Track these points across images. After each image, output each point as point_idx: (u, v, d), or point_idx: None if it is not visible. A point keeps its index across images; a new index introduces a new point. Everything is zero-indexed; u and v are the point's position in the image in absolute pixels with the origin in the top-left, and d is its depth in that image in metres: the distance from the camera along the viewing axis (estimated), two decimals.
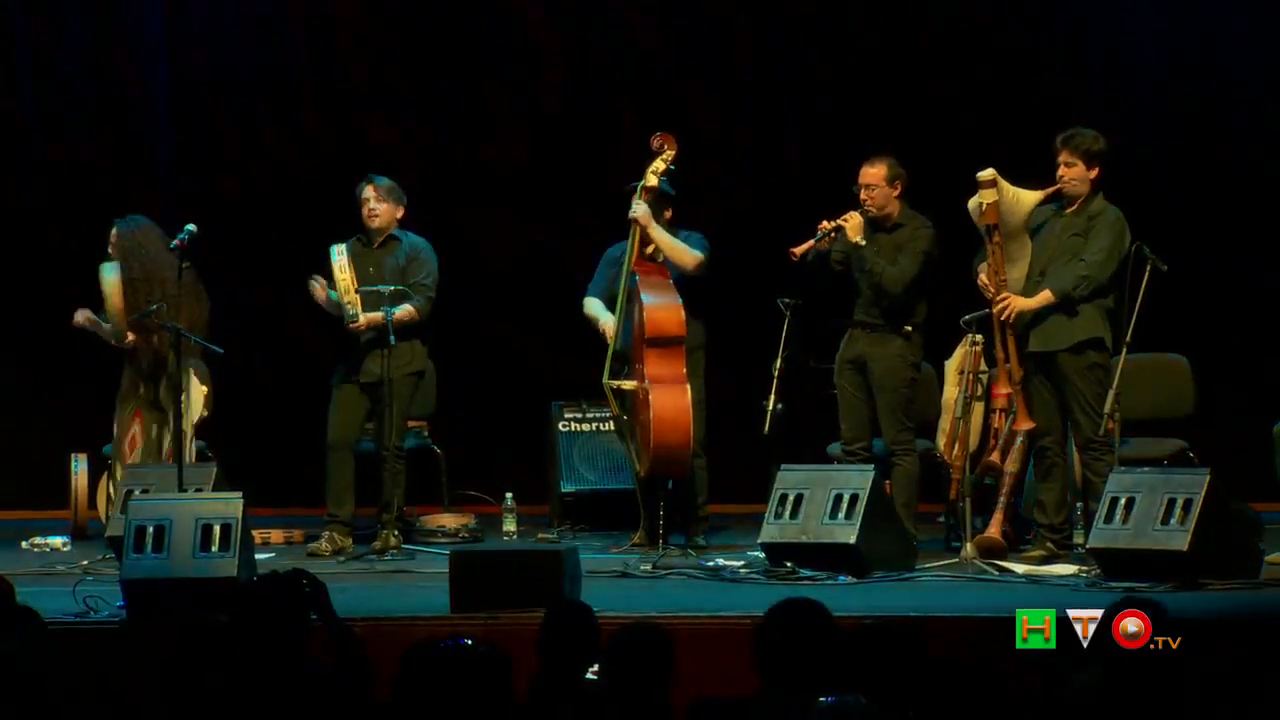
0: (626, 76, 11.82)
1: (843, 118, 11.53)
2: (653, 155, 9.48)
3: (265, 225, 11.74)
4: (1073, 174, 8.68)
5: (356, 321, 9.42)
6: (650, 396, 9.22)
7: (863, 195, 9.09)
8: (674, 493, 9.41)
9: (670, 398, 9.23)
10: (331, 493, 9.56)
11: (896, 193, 9.11)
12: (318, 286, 9.52)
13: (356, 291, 9.41)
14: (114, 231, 9.74)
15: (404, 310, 9.46)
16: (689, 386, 9.27)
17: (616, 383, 9.48)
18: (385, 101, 11.86)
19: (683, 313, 9.29)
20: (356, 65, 11.87)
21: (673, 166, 9.48)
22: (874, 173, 9.10)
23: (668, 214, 9.55)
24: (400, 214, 9.66)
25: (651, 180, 9.46)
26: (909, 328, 9.05)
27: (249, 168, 11.85)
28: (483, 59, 11.82)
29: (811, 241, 9.06)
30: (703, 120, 11.44)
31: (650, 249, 9.49)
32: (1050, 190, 8.73)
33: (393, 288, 9.44)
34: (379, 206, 9.59)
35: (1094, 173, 8.69)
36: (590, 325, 9.66)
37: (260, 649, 5.23)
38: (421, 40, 11.83)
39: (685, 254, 9.45)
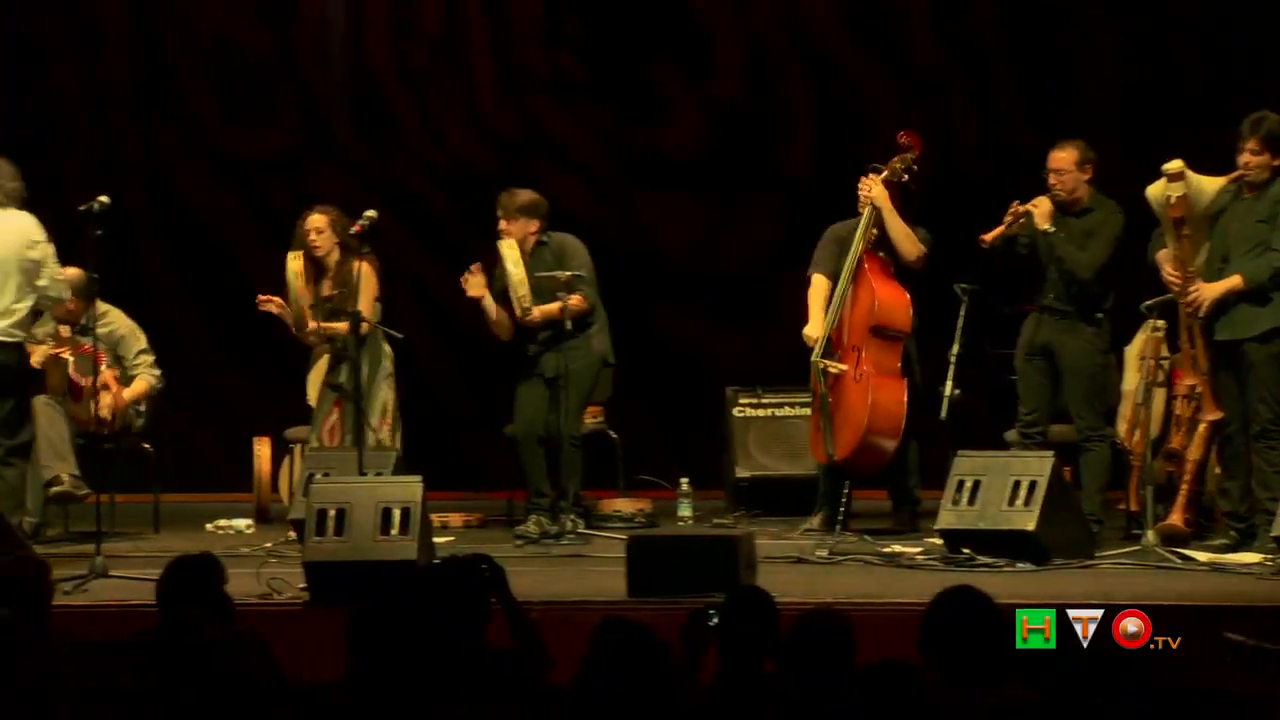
0: (802, 60, 11.77)
1: (1022, 101, 11.42)
2: (896, 151, 9.44)
3: (444, 211, 11.83)
4: (1259, 160, 8.50)
5: (531, 315, 9.52)
6: (870, 385, 9.23)
7: (1052, 179, 9.01)
8: (857, 478, 9.41)
9: (888, 390, 9.25)
10: (530, 481, 9.69)
11: (1086, 177, 9.02)
12: (471, 278, 9.59)
13: (531, 282, 9.51)
14: (329, 219, 9.80)
15: (574, 301, 9.52)
16: (905, 382, 9.28)
17: (826, 362, 9.46)
18: (561, 87, 11.91)
19: (911, 307, 9.29)
20: (533, 51, 11.93)
21: (914, 166, 9.44)
22: (1064, 157, 9.02)
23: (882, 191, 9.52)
24: (534, 228, 9.67)
25: (889, 174, 9.43)
26: (1099, 315, 8.97)
27: (427, 153, 11.95)
28: (659, 44, 11.83)
29: (1001, 227, 9.00)
30: (879, 104, 11.38)
31: (875, 235, 9.48)
32: (1232, 176, 8.58)
33: (569, 273, 9.50)
34: (508, 226, 9.66)
35: (1278, 160, 8.53)
36: (804, 304, 9.64)
37: (441, 632, 5.29)
38: (597, 26, 11.86)
39: (913, 244, 9.42)
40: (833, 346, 9.47)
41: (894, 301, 9.36)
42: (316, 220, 9.73)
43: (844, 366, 9.39)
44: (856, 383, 9.31)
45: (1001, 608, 5.14)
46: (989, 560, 8.24)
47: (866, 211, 9.45)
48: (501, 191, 9.78)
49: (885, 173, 9.45)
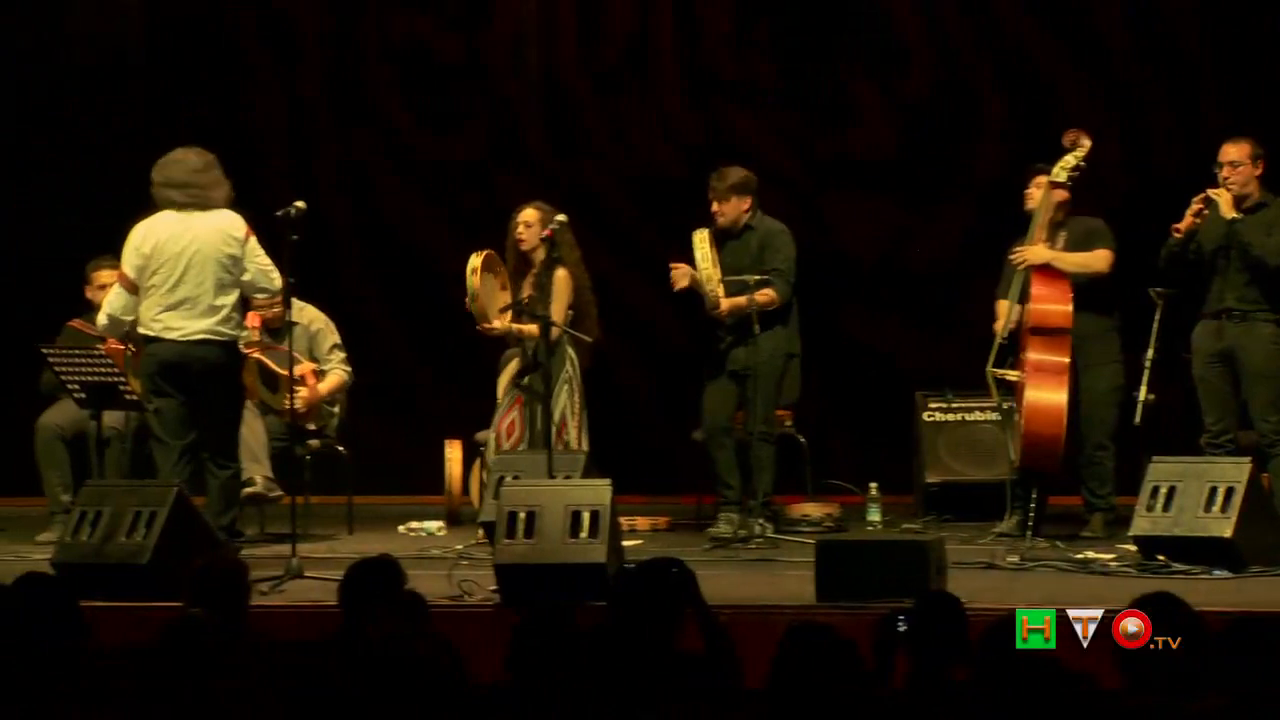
0: (992, 62, 11.67)
1: (1221, 100, 11.24)
2: (1063, 151, 9.34)
3: (630, 213, 11.88)
4: None
5: (718, 308, 9.56)
6: (1030, 385, 9.14)
7: (1226, 172, 8.94)
8: (1047, 485, 9.30)
9: (1046, 388, 9.14)
10: (718, 474, 9.75)
11: (1259, 173, 8.98)
12: (676, 272, 9.67)
13: (720, 281, 9.55)
14: (540, 215, 9.84)
15: (764, 294, 9.55)
16: (1067, 378, 9.17)
17: (1000, 372, 9.39)
18: (749, 90, 11.90)
19: (1071, 305, 9.18)
20: (721, 52, 11.93)
21: (1084, 163, 9.33)
22: (1237, 151, 8.97)
23: (1056, 196, 9.39)
24: (746, 205, 9.72)
25: (1060, 176, 9.33)
26: (1278, 315, 8.86)
27: (614, 156, 12.00)
28: (848, 46, 11.78)
29: (1189, 218, 8.93)
30: (1071, 106, 11.24)
31: (1049, 237, 9.38)
32: None
33: (757, 276, 9.54)
34: (721, 207, 9.70)
35: None
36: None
37: (633, 635, 5.31)
38: (786, 28, 11.83)
39: (1094, 263, 9.33)
40: (1013, 356, 9.39)
41: (1050, 298, 9.23)
42: (528, 215, 9.84)
43: (1015, 374, 9.31)
44: (1023, 385, 9.24)
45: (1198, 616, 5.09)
46: (1184, 567, 8.13)
47: (1033, 221, 9.36)
48: (711, 174, 9.82)
49: (1053, 173, 9.34)
